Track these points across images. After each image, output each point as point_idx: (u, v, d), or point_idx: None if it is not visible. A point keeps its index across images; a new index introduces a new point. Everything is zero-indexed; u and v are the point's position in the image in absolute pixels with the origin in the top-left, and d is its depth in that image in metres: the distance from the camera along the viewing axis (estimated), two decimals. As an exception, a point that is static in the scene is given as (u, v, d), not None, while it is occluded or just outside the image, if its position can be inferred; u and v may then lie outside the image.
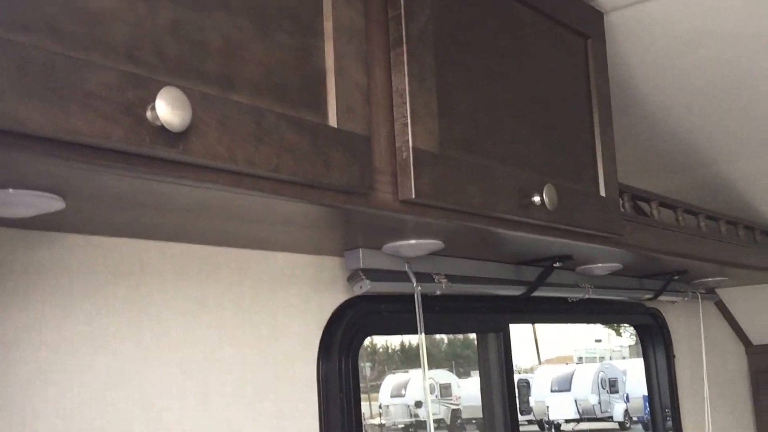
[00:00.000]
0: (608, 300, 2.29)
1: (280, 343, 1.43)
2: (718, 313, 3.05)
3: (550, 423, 19.84)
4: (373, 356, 27.10)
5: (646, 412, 18.54)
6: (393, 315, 1.68)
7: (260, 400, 1.37)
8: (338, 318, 1.54)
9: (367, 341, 1.70)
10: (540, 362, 28.73)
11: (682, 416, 2.60)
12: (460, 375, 23.56)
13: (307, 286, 1.50)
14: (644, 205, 2.10)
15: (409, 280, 1.55)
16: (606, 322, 2.57)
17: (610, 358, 25.43)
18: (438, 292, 1.62)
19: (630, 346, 33.01)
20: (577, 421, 20.26)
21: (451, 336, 27.51)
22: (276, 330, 1.42)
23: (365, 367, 24.71)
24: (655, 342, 2.64)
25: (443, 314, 1.80)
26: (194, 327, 1.28)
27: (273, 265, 1.43)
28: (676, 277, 2.32)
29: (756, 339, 3.16)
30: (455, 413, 19.84)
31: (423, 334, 1.58)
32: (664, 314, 2.63)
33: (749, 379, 3.15)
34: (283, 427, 1.40)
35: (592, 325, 34.09)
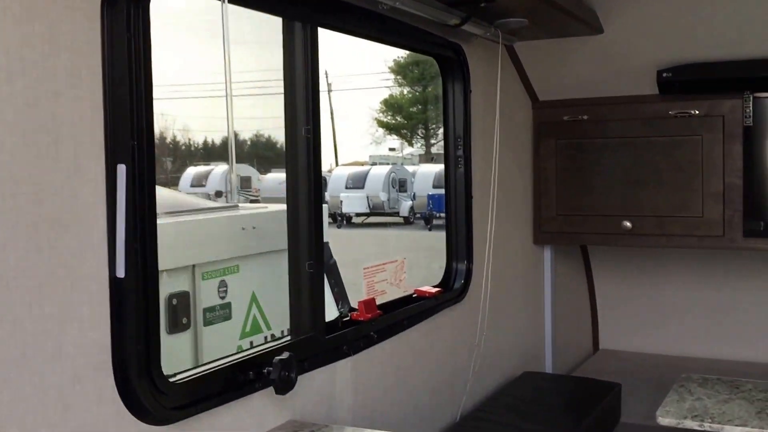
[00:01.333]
0: (414, 27, 2.67)
1: None
2: (512, 67, 3.63)
3: (343, 215, 21.53)
4: (175, 152, 26.98)
5: (429, 208, 20.59)
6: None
7: None
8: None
9: (168, 137, 1.80)
10: (337, 165, 30.34)
11: (472, 149, 3.22)
12: (260, 172, 24.39)
13: None
14: None
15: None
16: (411, 48, 2.91)
17: (402, 164, 27.24)
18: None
19: (420, 155, 35.39)
20: (367, 215, 22.16)
21: (254, 138, 27.91)
22: None
23: (166, 161, 24.68)
24: (454, 75, 3.09)
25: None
26: None
27: None
28: (483, 5, 2.62)
29: (542, 95, 3.76)
30: (254, 203, 20.75)
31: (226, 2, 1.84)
32: (465, 51, 3.06)
33: (533, 130, 3.80)
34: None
35: (390, 137, 35.66)
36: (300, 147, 2.24)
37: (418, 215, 21.60)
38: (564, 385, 3.62)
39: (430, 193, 20.46)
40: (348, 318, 2.52)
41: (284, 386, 2.03)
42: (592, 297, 4.62)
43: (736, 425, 2.66)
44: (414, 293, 2.91)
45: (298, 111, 2.22)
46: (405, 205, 22.01)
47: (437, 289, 2.99)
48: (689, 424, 2.71)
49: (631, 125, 3.55)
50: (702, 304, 4.38)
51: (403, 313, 2.76)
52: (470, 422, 3.05)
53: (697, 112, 3.42)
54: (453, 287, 3.11)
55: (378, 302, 2.64)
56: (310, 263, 2.27)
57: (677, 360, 4.21)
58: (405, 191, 22.50)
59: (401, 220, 21.95)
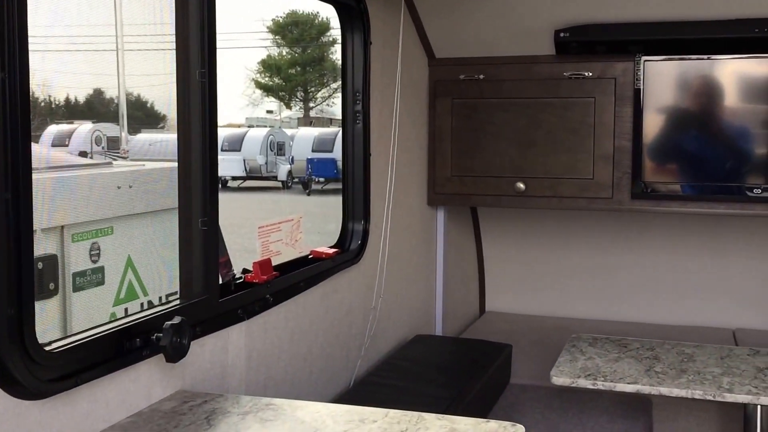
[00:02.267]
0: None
1: None
2: (411, 22, 3.51)
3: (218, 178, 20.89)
4: (34, 109, 25.39)
5: (308, 173, 20.41)
6: None
7: None
8: None
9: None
10: (212, 126, 29.35)
11: (371, 104, 3.10)
12: (130, 132, 23.27)
13: None
14: None
15: None
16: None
17: (280, 128, 26.81)
18: None
19: (298, 119, 34.98)
20: (244, 179, 21.64)
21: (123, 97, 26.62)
22: None
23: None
24: (353, 25, 2.96)
25: None
26: None
27: None
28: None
29: (439, 52, 3.66)
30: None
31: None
32: (365, 1, 2.92)
33: (429, 88, 3.71)
34: None
35: (267, 99, 34.94)
36: (194, 92, 2.04)
37: (296, 180, 21.33)
38: (456, 348, 3.60)
39: (310, 158, 20.26)
40: (242, 280, 2.35)
41: (176, 354, 1.86)
42: (480, 259, 4.64)
43: (628, 383, 2.70)
44: (310, 254, 2.78)
45: (191, 52, 2.02)
46: (283, 169, 21.66)
47: (334, 249, 2.87)
48: (583, 383, 2.74)
49: (526, 86, 3.53)
50: (590, 266, 4.48)
51: (299, 275, 2.61)
52: (365, 387, 2.97)
53: (590, 74, 3.43)
54: (349, 248, 3.00)
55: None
56: (203, 220, 2.08)
57: (565, 321, 4.29)
58: (283, 155, 22.13)
59: (279, 184, 21.61)
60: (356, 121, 2.97)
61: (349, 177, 3.01)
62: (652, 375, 2.75)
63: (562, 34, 3.30)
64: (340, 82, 3.10)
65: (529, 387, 3.49)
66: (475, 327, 4.37)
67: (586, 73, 3.43)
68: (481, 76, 3.58)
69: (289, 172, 21.51)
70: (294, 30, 32.38)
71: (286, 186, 21.47)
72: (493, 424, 1.75)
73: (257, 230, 2.48)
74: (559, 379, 2.75)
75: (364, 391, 2.92)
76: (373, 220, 3.09)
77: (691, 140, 3.39)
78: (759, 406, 2.72)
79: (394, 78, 3.25)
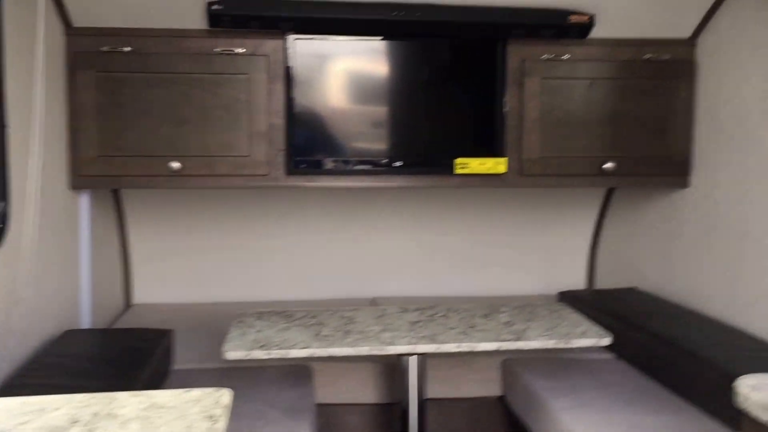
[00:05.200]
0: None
1: None
2: None
3: None
4: None
5: None
6: None
7: None
8: None
9: None
10: None
11: (5, 71, 2.70)
12: None
13: None
14: None
15: None
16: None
17: None
18: None
19: None
20: None
21: None
22: None
23: None
24: None
25: None
26: None
27: None
28: None
29: (78, 20, 3.32)
30: None
31: None
32: None
33: (67, 59, 3.33)
34: None
35: None
36: None
37: None
38: (111, 339, 3.35)
39: None
40: None
41: None
42: (124, 247, 4.38)
43: (301, 348, 2.77)
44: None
45: None
46: None
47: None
48: (257, 354, 2.75)
49: (177, 60, 3.40)
50: (249, 249, 4.50)
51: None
52: (13, 390, 2.61)
53: (243, 50, 3.43)
54: (-14, 233, 2.61)
55: None
56: None
57: (224, 306, 4.25)
58: None
59: None
60: (-11, 87, 2.59)
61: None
62: (321, 339, 2.85)
63: (214, 6, 3.24)
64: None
65: (193, 371, 3.39)
66: (124, 320, 4.12)
67: (238, 50, 3.43)
68: (128, 49, 3.36)
69: None
70: None
71: None
72: (196, 392, 1.65)
73: None
74: (233, 353, 2.71)
75: (12, 394, 2.56)
76: (14, 202, 2.73)
77: (340, 117, 3.58)
78: (414, 357, 2.98)
79: (33, 46, 2.90)
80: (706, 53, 3.63)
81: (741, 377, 1.80)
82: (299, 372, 3.40)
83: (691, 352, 2.99)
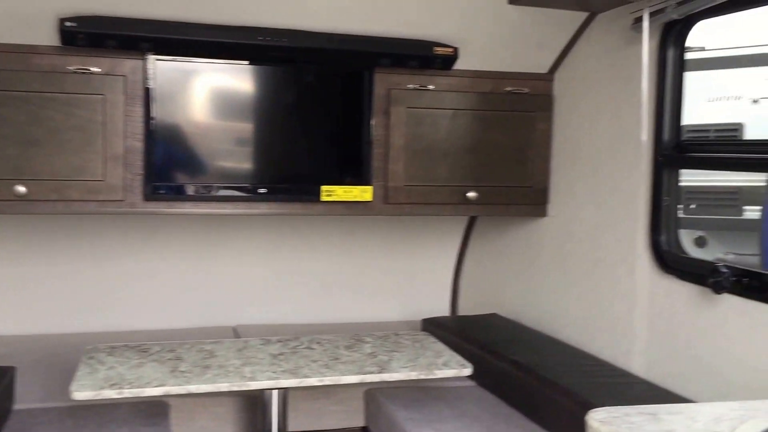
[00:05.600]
0: None
1: None
2: None
3: None
4: None
5: None
6: None
7: None
8: None
9: None
10: None
11: None
12: None
13: None
14: None
15: None
16: None
17: None
18: None
19: None
20: None
21: None
22: None
23: None
24: None
25: None
26: None
27: None
28: None
29: None
30: None
31: None
32: None
33: None
34: None
35: None
36: None
37: None
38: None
39: None
40: None
41: None
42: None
43: (156, 386, 2.64)
44: None
45: None
46: None
47: None
48: (108, 393, 2.60)
49: (26, 78, 3.19)
50: (102, 276, 4.25)
51: None
52: None
53: (98, 69, 3.26)
54: None
55: None
56: None
57: (73, 337, 3.99)
58: None
59: None
60: None
61: None
62: (178, 375, 2.73)
63: (67, 24, 3.07)
64: None
65: (36, 410, 3.16)
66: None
67: (93, 69, 3.25)
68: (-31, 64, 3.12)
69: None
70: None
71: None
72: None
73: None
74: (80, 393, 2.55)
75: None
76: None
77: (203, 134, 3.46)
78: (276, 391, 2.90)
79: None
80: (562, 88, 3.79)
81: (591, 411, 1.84)
82: (154, 409, 3.23)
83: (548, 379, 3.08)
